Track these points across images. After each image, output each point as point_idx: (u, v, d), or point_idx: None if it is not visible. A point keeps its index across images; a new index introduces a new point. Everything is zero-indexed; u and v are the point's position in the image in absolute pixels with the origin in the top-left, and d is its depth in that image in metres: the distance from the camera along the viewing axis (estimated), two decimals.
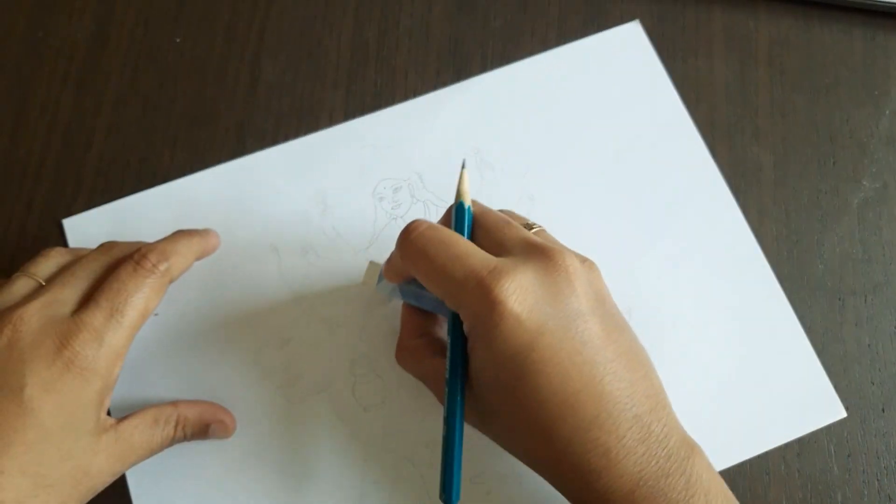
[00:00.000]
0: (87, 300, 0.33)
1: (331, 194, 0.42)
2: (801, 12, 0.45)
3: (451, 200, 0.41)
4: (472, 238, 0.33)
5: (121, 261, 0.34)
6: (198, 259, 0.38)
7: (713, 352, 0.39)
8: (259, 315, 0.39)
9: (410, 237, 0.31)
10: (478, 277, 0.29)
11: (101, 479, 0.32)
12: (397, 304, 0.39)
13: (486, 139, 0.43)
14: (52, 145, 0.44)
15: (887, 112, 0.43)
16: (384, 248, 0.40)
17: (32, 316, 0.31)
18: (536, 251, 0.30)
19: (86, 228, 0.41)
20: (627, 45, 0.44)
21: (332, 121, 0.44)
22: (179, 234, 0.37)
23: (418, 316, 0.36)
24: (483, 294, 0.29)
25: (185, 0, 0.47)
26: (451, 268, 0.30)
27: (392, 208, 0.41)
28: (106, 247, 0.36)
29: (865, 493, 0.37)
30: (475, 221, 0.33)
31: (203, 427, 0.36)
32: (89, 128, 0.44)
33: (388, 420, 0.38)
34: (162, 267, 0.34)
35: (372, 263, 0.38)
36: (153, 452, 0.35)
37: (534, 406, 0.29)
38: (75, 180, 0.43)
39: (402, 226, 0.36)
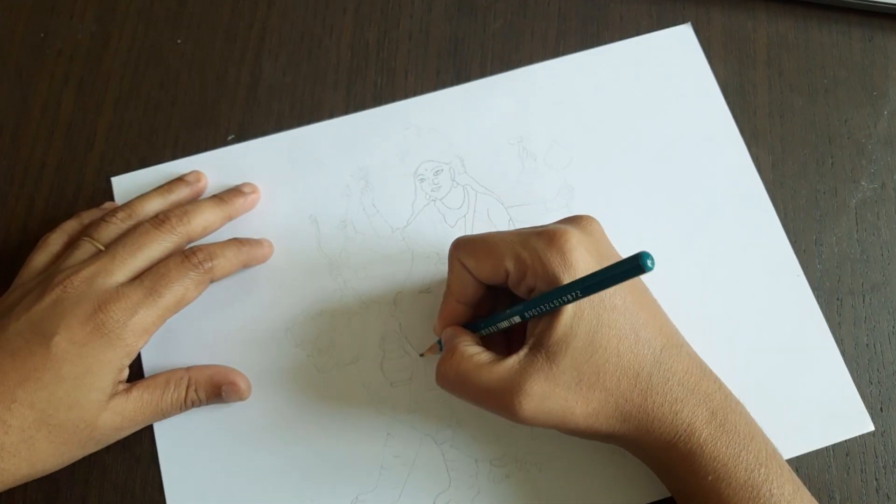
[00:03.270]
0: (134, 278, 0.36)
1: (372, 172, 0.43)
2: (799, 13, 0.46)
3: (490, 187, 0.42)
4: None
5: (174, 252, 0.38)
6: (245, 266, 0.40)
7: (742, 357, 0.39)
8: (295, 283, 0.41)
9: (460, 239, 0.35)
10: (538, 231, 0.33)
11: (105, 433, 0.35)
12: (434, 282, 0.40)
13: (530, 129, 0.43)
14: (54, 145, 0.44)
15: (885, 112, 0.44)
16: (422, 228, 0.42)
17: (82, 281, 0.35)
18: (566, 220, 0.35)
19: (133, 188, 0.42)
20: (678, 46, 0.45)
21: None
22: (232, 241, 0.39)
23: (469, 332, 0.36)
24: (549, 241, 0.32)
25: (185, 1, 0.47)
26: (508, 236, 0.34)
27: (432, 190, 0.42)
28: (158, 221, 0.38)
29: (864, 491, 0.37)
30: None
31: (215, 389, 0.38)
32: (90, 128, 0.44)
33: (414, 397, 0.38)
34: (206, 265, 0.37)
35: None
36: (164, 413, 0.37)
37: (615, 342, 0.32)
38: (77, 180, 0.43)
39: (441, 208, 0.41)
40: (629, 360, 0.32)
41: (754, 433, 0.32)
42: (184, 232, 0.38)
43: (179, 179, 0.42)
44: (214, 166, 0.43)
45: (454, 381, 0.33)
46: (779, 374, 0.39)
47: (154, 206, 0.40)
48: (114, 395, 0.35)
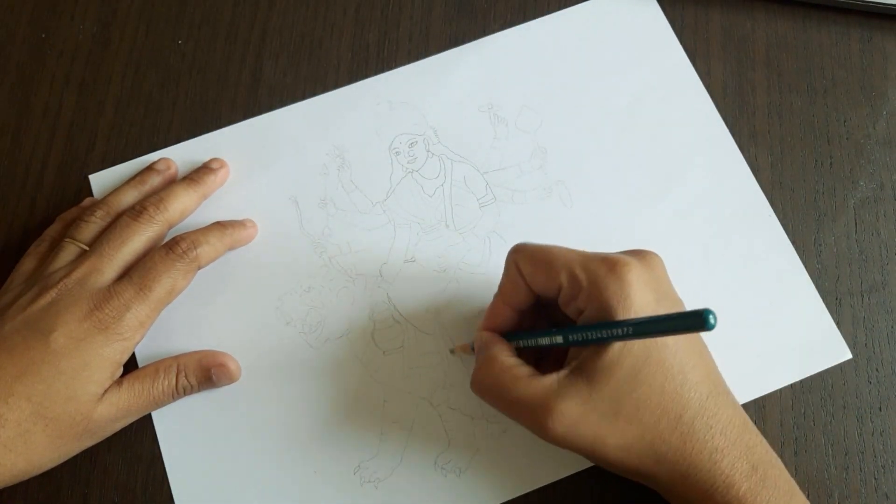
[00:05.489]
0: (123, 274, 0.37)
1: (348, 149, 0.43)
2: (798, 14, 0.46)
3: (465, 155, 0.43)
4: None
5: (159, 245, 0.38)
6: (231, 249, 0.40)
7: (720, 297, 0.40)
8: (281, 264, 0.41)
9: (521, 245, 0.34)
10: (601, 256, 0.32)
11: (100, 425, 0.35)
12: (418, 251, 0.41)
13: (499, 95, 0.44)
14: (55, 146, 0.44)
15: (884, 113, 0.44)
16: (401, 200, 0.42)
17: (75, 282, 0.36)
18: (629, 252, 0.33)
19: (111, 184, 0.43)
20: (636, 6, 0.45)
21: None
22: (214, 226, 0.40)
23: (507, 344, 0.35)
24: (610, 268, 0.31)
25: (186, 2, 0.47)
26: (570, 254, 0.33)
27: (408, 162, 0.43)
28: (136, 212, 0.38)
29: (863, 491, 0.37)
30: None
31: (205, 373, 0.38)
32: (92, 128, 0.44)
33: (407, 363, 0.39)
34: (191, 254, 0.37)
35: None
36: (157, 402, 0.37)
37: (662, 380, 0.31)
38: (78, 181, 0.43)
39: (419, 178, 0.42)
40: (673, 401, 0.31)
41: (794, 490, 0.32)
42: (163, 220, 0.38)
43: (150, 169, 0.42)
44: (190, 157, 0.43)
45: (490, 390, 0.33)
46: (754, 310, 0.40)
47: (129, 198, 0.40)
48: (109, 386, 0.35)
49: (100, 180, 0.43)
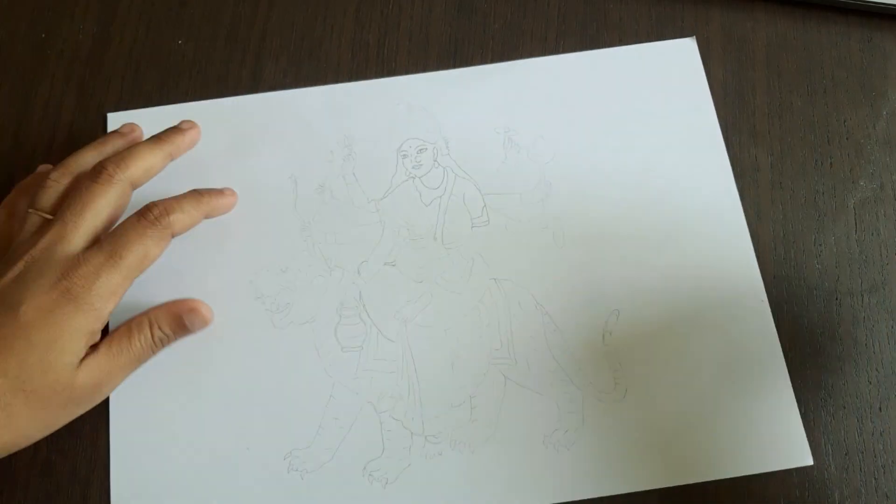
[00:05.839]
0: (93, 242, 0.36)
1: (357, 142, 0.43)
2: (798, 14, 0.46)
3: (470, 172, 0.43)
4: None
5: (125, 208, 0.38)
6: (207, 217, 0.40)
7: (696, 371, 0.39)
8: (266, 238, 0.41)
9: None
10: None
11: (84, 392, 0.35)
12: (399, 256, 0.41)
13: (518, 121, 0.44)
14: (55, 146, 0.44)
15: (884, 113, 0.44)
16: (397, 202, 0.42)
17: (40, 252, 0.35)
18: None
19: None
20: (679, 59, 0.45)
21: None
22: (190, 193, 0.39)
23: None
24: None
25: (186, 2, 0.47)
26: None
27: (413, 168, 0.43)
28: (95, 172, 0.37)
29: (863, 491, 0.37)
30: None
31: (177, 320, 0.38)
32: (92, 129, 0.44)
33: (362, 364, 0.39)
34: (164, 221, 0.37)
35: None
36: (139, 359, 0.38)
37: None
38: None
39: (419, 186, 0.42)
40: None
41: None
42: (124, 178, 0.37)
43: (114, 132, 0.41)
44: (207, 116, 0.44)
45: None
46: (727, 397, 0.38)
47: (89, 160, 0.39)
48: (85, 354, 0.35)
49: (118, 121, 0.43)
